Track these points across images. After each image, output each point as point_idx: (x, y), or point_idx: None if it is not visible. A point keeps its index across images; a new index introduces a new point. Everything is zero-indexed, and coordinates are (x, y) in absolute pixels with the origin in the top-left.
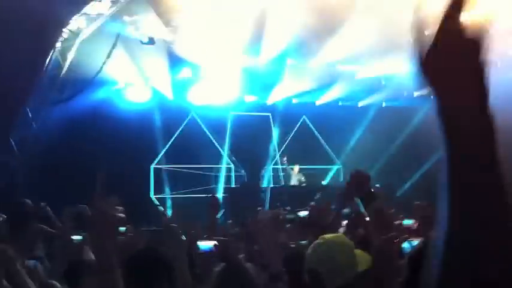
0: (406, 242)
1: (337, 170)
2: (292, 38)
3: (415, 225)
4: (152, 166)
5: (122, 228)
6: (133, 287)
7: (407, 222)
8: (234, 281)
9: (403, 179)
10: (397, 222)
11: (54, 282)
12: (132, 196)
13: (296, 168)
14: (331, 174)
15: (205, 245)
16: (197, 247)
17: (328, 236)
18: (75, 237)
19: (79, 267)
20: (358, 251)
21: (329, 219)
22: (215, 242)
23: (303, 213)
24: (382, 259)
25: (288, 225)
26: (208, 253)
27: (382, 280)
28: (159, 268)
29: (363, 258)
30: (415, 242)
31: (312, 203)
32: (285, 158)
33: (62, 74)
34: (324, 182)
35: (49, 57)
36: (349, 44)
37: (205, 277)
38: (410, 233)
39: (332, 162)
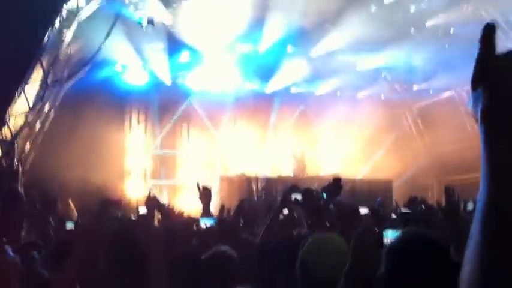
0: (389, 231)
1: (334, 160)
2: (293, 25)
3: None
4: (150, 151)
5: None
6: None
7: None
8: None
9: (399, 171)
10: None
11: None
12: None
13: (299, 155)
14: (328, 164)
15: (206, 220)
16: (199, 223)
17: (325, 234)
18: (68, 223)
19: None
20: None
21: (320, 202)
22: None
23: (298, 196)
24: (360, 247)
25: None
26: (208, 228)
27: (360, 269)
28: (136, 253)
29: None
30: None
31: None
32: (292, 147)
33: (60, 54)
34: (321, 173)
35: (46, 36)
36: (350, 34)
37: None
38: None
39: (329, 153)
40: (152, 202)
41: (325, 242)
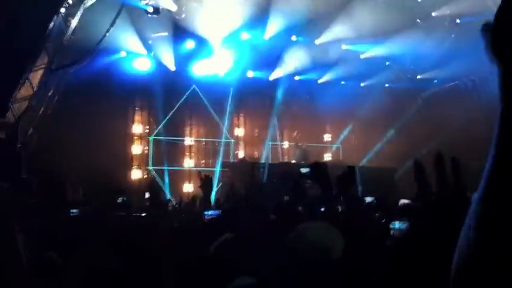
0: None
1: (337, 148)
2: (298, 14)
3: None
4: (151, 137)
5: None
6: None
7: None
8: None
9: (402, 161)
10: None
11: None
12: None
13: (304, 145)
14: (330, 152)
15: (210, 212)
16: (203, 215)
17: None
18: (73, 210)
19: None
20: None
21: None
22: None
23: (304, 170)
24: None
25: None
26: (212, 218)
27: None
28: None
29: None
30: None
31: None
32: (296, 134)
33: (65, 39)
34: (323, 159)
35: (52, 22)
36: (355, 23)
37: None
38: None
39: (332, 141)
40: (153, 187)
41: (310, 233)
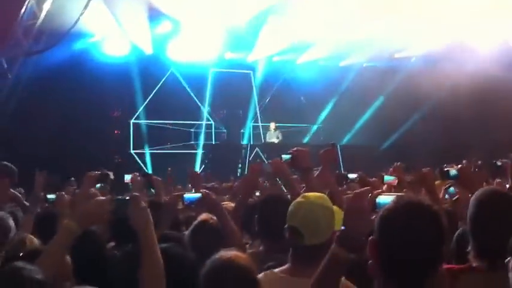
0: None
1: (318, 128)
2: None
3: (395, 182)
4: (131, 121)
5: (97, 185)
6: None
7: (388, 178)
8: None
9: (382, 138)
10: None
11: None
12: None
13: (272, 125)
14: (311, 132)
15: (192, 195)
16: (183, 199)
17: (311, 195)
18: (50, 195)
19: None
20: (336, 208)
21: (309, 162)
22: (202, 192)
23: (285, 156)
24: (352, 213)
25: None
26: (194, 203)
27: (352, 237)
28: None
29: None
30: (390, 198)
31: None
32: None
33: (37, 24)
34: (304, 140)
35: (24, 6)
36: (332, 4)
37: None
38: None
39: (312, 121)
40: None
41: (311, 206)
